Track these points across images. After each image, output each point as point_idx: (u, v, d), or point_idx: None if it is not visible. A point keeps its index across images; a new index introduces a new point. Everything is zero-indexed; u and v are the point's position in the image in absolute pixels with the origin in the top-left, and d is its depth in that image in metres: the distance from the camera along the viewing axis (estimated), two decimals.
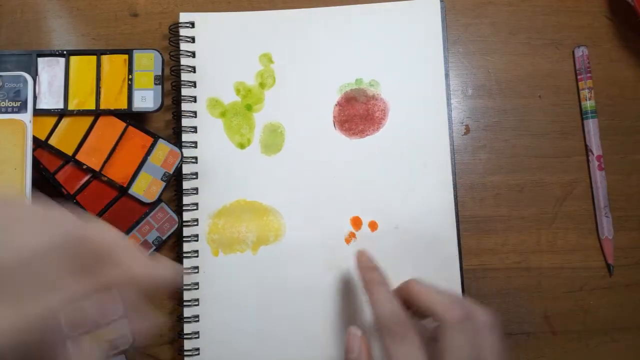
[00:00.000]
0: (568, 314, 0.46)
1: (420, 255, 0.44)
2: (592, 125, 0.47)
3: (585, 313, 0.46)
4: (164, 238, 0.44)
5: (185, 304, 0.43)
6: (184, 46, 0.45)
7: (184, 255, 0.43)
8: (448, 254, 0.44)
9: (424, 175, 0.45)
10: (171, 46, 0.46)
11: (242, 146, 0.45)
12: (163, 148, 0.43)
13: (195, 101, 0.45)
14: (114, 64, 0.43)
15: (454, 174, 0.45)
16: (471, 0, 0.48)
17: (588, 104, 0.47)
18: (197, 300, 0.43)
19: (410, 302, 0.38)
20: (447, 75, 0.46)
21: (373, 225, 0.45)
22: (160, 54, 0.43)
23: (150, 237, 0.43)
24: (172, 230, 0.44)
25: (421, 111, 0.46)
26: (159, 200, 0.44)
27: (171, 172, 0.43)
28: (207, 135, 0.45)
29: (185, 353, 0.42)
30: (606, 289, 0.46)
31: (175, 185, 0.45)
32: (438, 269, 0.44)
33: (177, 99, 0.45)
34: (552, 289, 0.46)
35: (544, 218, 0.47)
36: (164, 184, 0.43)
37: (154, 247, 0.43)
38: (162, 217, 0.44)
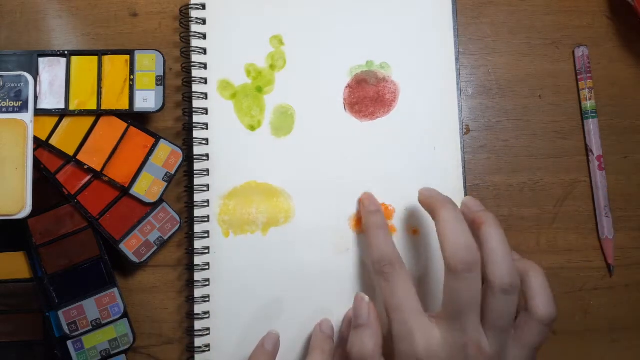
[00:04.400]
0: (568, 314, 0.46)
1: (430, 236, 0.44)
2: (592, 125, 0.47)
3: (585, 313, 0.46)
4: (165, 238, 0.44)
5: (196, 284, 0.43)
6: (195, 28, 0.45)
7: (195, 236, 0.44)
8: None
9: (434, 158, 0.45)
10: (182, 28, 0.45)
11: (252, 128, 0.45)
12: (164, 148, 0.43)
13: (205, 83, 0.45)
14: (115, 65, 0.43)
15: (464, 158, 0.45)
16: (471, 0, 0.48)
17: (588, 104, 0.47)
18: (208, 280, 0.43)
19: None
20: (457, 59, 0.46)
21: (383, 207, 0.45)
22: (162, 54, 0.43)
23: (152, 237, 0.43)
24: (173, 230, 0.44)
25: (432, 94, 0.46)
26: (160, 201, 0.44)
27: (173, 172, 0.43)
28: (218, 117, 0.45)
29: (196, 333, 0.43)
30: (606, 289, 0.46)
31: (186, 166, 0.45)
32: None
33: (188, 81, 0.45)
34: (552, 289, 0.46)
35: (544, 218, 0.47)
36: (165, 184, 0.43)
37: (156, 247, 0.43)
38: (164, 217, 0.44)
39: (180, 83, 0.46)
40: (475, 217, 0.38)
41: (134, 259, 0.43)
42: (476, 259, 0.35)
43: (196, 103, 0.44)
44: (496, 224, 0.37)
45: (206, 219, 0.44)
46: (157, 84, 0.43)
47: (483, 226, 0.37)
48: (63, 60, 0.43)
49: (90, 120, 0.43)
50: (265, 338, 0.42)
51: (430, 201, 0.40)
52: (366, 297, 0.39)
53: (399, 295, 0.37)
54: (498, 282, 0.35)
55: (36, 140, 0.42)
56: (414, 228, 0.45)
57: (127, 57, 0.43)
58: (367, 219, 0.42)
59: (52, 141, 0.42)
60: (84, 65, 0.43)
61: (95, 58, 0.43)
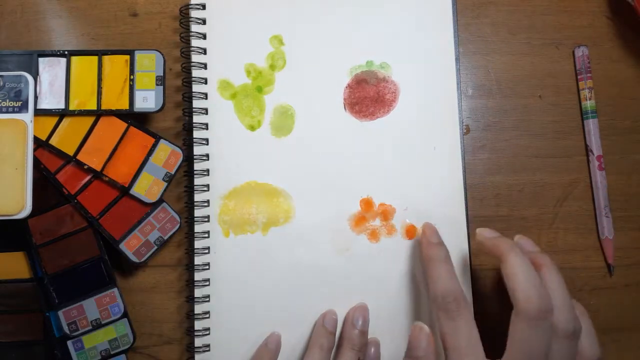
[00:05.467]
0: None
1: None
2: (592, 125, 0.47)
3: None
4: (165, 238, 0.44)
5: (196, 284, 0.43)
6: (195, 28, 0.45)
7: (195, 236, 0.44)
8: (457, 235, 0.45)
9: (434, 158, 0.45)
10: (182, 28, 0.45)
11: (252, 128, 0.45)
12: (164, 148, 0.43)
13: (205, 83, 0.45)
14: (115, 65, 0.43)
15: (464, 158, 0.46)
16: (471, 0, 0.48)
17: (588, 104, 0.47)
18: (208, 280, 0.43)
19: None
20: (457, 59, 0.46)
21: (383, 207, 0.45)
22: (162, 54, 0.43)
23: (152, 237, 0.43)
24: (173, 230, 0.44)
25: (432, 94, 0.46)
26: (160, 201, 0.44)
27: (173, 172, 0.43)
28: (218, 117, 0.45)
29: (196, 333, 0.43)
30: (606, 289, 0.46)
31: (186, 166, 0.45)
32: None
33: (188, 81, 0.45)
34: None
35: (544, 218, 0.47)
36: (165, 184, 0.43)
37: (156, 247, 0.43)
38: (164, 217, 0.44)
39: (180, 83, 0.46)
40: (532, 259, 0.38)
41: (134, 259, 0.43)
42: (550, 308, 0.35)
43: (196, 103, 0.44)
44: (555, 267, 0.38)
45: (206, 219, 0.44)
46: (157, 84, 0.43)
47: (543, 268, 0.38)
48: (63, 60, 0.43)
49: (90, 120, 0.43)
50: (268, 338, 0.42)
51: (496, 245, 0.39)
52: (426, 328, 0.39)
53: (462, 337, 0.36)
54: (563, 327, 0.35)
55: (36, 140, 0.42)
56: (414, 228, 0.45)
57: (127, 57, 0.43)
58: (428, 251, 0.41)
59: (52, 141, 0.42)
60: (84, 65, 0.43)
61: (95, 58, 0.43)
